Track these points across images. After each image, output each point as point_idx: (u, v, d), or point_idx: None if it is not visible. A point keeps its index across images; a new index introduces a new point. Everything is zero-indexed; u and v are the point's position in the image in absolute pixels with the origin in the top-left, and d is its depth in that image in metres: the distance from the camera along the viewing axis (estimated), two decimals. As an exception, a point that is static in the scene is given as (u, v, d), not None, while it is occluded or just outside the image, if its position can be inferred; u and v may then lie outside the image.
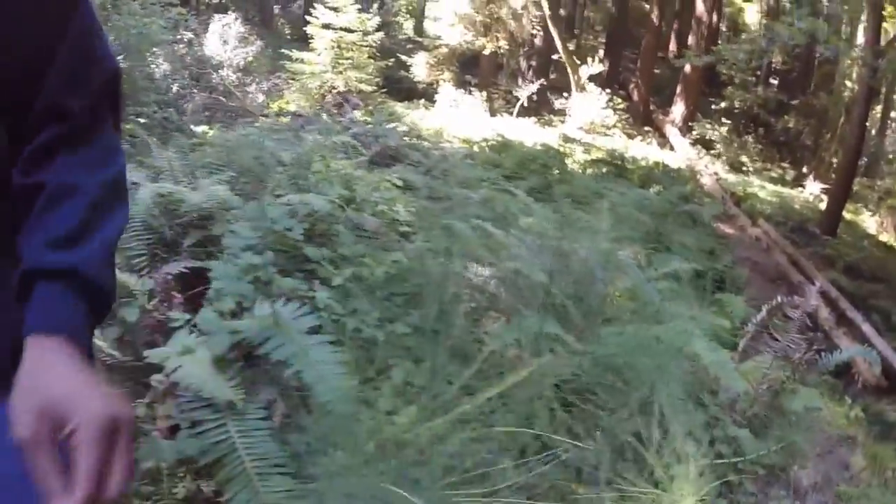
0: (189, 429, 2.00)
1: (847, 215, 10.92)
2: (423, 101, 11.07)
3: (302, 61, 10.34)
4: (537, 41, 13.89)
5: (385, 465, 2.23)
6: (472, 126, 8.29)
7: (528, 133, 8.86)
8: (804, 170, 14.18)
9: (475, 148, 7.03)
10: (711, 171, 11.23)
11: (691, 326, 3.47)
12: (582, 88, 11.80)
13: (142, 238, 2.90)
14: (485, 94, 11.75)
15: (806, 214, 10.84)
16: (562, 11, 14.20)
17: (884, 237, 11.56)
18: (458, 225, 4.17)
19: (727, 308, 4.98)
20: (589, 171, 7.72)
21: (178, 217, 3.19)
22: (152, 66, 8.21)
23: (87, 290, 0.69)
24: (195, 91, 9.20)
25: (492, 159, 6.65)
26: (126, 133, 4.60)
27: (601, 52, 15.73)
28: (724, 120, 14.57)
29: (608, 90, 12.26)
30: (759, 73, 15.61)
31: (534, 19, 12.89)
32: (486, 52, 12.43)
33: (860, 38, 12.48)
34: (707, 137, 13.49)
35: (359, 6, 11.36)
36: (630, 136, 11.79)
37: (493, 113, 10.69)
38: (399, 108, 9.38)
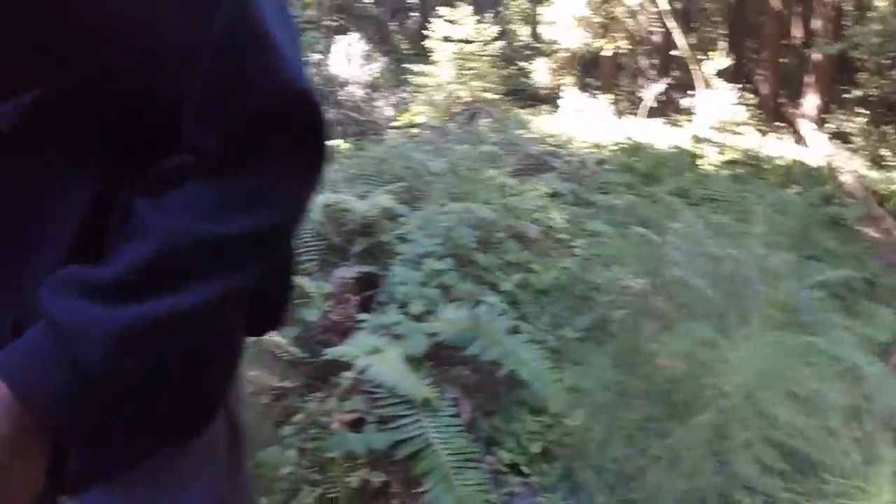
0: (377, 423, 2.13)
1: None
2: (546, 106, 11.11)
3: (425, 74, 10.64)
4: (655, 38, 13.60)
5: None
6: (600, 130, 8.25)
7: (657, 135, 8.70)
8: (955, 162, 13.10)
9: (605, 152, 7.00)
10: (851, 167, 10.60)
11: (847, 337, 3.38)
12: (708, 85, 11.44)
13: (312, 245, 3.11)
14: (609, 96, 11.62)
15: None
16: (678, 4, 13.80)
17: None
18: (609, 230, 4.22)
19: (875, 319, 4.74)
20: (725, 172, 7.49)
21: (343, 225, 3.40)
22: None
23: (69, 356, 0.54)
24: (326, 108, 9.67)
25: (625, 163, 6.60)
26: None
27: (722, 45, 15.16)
28: (859, 110, 13.66)
29: (736, 85, 11.83)
30: (893, 56, 14.53)
31: (651, 16, 12.63)
32: (606, 53, 12.28)
33: None
34: (842, 130, 12.71)
35: (477, 17, 11.55)
36: (762, 133, 11.32)
37: (619, 115, 10.55)
38: (525, 114, 9.46)
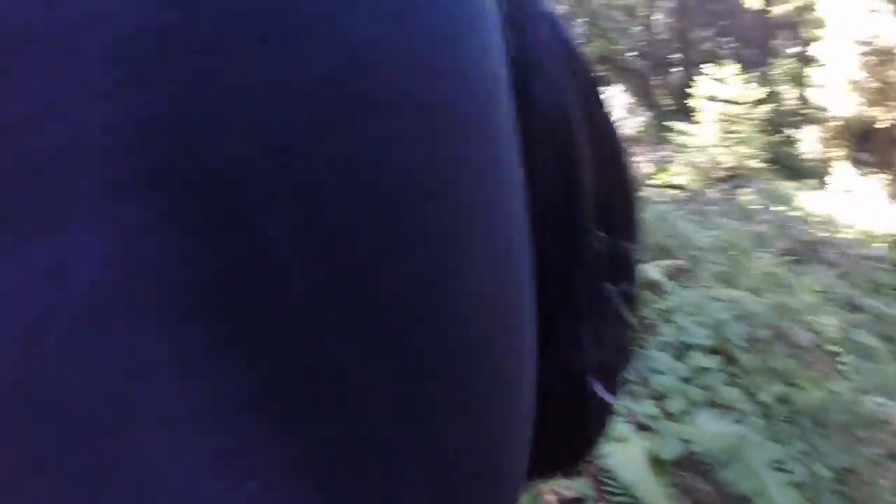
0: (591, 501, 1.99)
1: None
2: (811, 180, 10.67)
3: (686, 134, 10.67)
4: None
5: None
6: (871, 215, 7.85)
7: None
8: None
9: (876, 244, 6.70)
10: None
11: None
12: None
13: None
14: (885, 176, 10.87)
15: None
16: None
17: None
18: (879, 346, 3.80)
19: None
20: None
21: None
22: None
23: None
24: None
25: (897, 260, 6.26)
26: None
27: None
28: None
29: None
30: None
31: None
32: (882, 124, 11.45)
33: None
34: None
35: (744, 77, 11.38)
36: None
37: (893, 199, 9.90)
38: (787, 187, 9.22)
